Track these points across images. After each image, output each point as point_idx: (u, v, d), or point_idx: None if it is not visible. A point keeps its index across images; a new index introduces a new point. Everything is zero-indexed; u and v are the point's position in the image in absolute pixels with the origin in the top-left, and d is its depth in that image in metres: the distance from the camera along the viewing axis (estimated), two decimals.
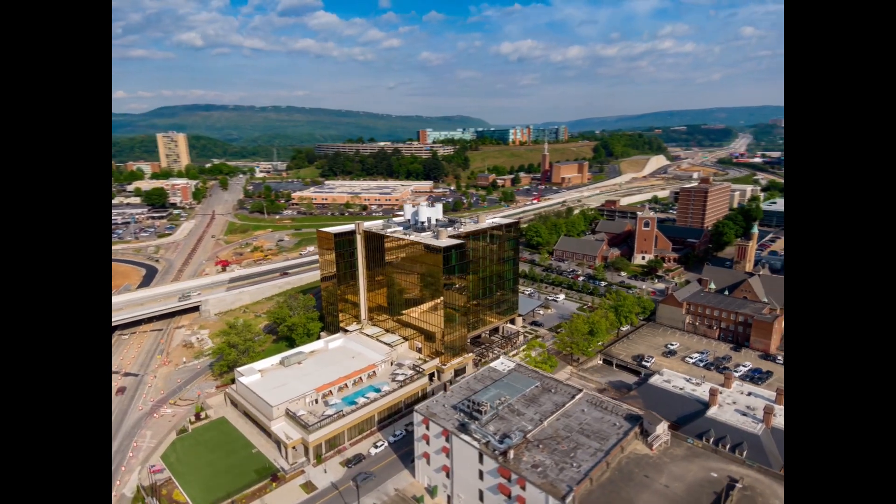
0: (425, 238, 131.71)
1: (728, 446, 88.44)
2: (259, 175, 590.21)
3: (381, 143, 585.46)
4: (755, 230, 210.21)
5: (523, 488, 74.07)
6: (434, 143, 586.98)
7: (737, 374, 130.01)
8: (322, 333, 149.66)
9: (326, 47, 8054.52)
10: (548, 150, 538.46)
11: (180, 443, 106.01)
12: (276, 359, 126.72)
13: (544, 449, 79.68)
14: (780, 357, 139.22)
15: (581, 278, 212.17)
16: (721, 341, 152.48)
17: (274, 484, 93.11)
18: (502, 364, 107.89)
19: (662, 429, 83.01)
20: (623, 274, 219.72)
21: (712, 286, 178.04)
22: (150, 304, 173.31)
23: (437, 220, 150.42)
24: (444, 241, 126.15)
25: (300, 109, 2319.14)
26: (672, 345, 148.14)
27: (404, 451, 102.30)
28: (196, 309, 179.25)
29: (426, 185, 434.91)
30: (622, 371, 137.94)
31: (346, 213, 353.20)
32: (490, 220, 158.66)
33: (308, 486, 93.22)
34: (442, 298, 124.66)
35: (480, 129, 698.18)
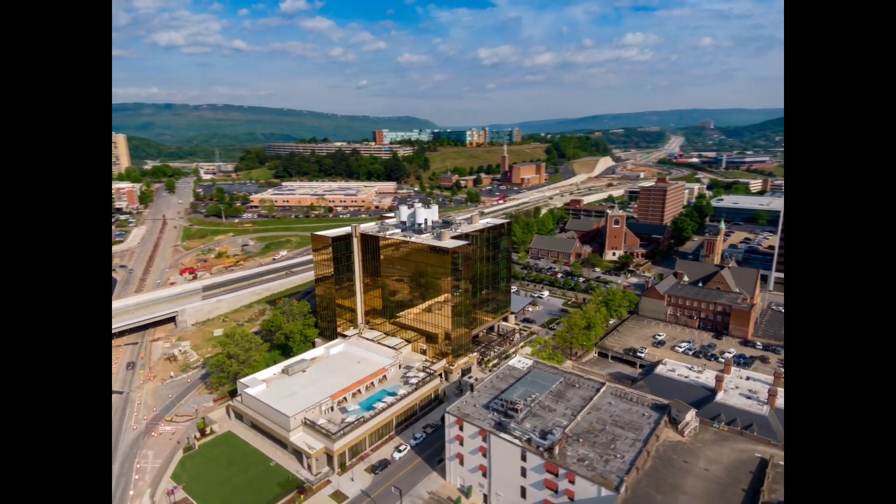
0: (428, 239, 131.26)
1: (739, 428, 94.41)
2: (206, 177, 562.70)
3: (338, 144, 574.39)
4: (722, 226, 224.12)
5: (572, 482, 75.71)
6: (391, 143, 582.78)
7: (722, 361, 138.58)
8: (317, 340, 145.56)
9: (237, 45, 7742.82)
10: (507, 151, 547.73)
11: (189, 461, 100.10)
12: (277, 368, 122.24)
13: (584, 442, 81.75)
14: (758, 343, 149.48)
15: (560, 275, 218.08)
16: (701, 330, 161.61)
17: (302, 496, 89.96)
18: (520, 362, 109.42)
19: (691, 415, 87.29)
20: (597, 270, 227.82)
21: (686, 279, 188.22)
22: (122, 315, 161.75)
23: (433, 221, 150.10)
24: (451, 242, 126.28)
25: (238, 108, 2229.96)
26: (659, 335, 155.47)
27: (428, 454, 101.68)
28: (171, 320, 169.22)
29: (390, 185, 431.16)
30: (617, 363, 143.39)
31: (311, 216, 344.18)
32: (483, 220, 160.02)
33: (338, 496, 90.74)
34: (450, 298, 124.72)
35: (437, 130, 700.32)
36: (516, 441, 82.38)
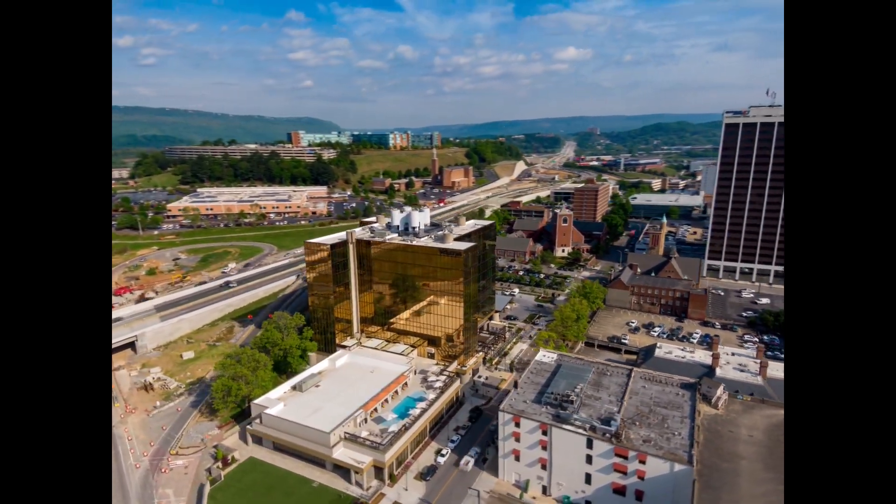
0: (431, 242, 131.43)
1: (739, 396, 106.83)
2: None
3: (252, 146, 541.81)
4: (664, 220, 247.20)
5: (643, 462, 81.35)
6: (310, 145, 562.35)
7: (694, 340, 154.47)
8: (311, 354, 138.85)
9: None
10: (436, 154, 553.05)
11: (220, 494, 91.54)
12: (286, 386, 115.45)
13: (641, 425, 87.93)
14: (716, 323, 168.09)
15: (521, 273, 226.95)
16: (663, 315, 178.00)
17: None
18: (545, 356, 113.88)
19: (721, 390, 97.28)
20: (553, 266, 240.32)
21: (639, 270, 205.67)
22: None
23: (425, 224, 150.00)
24: (458, 244, 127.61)
25: (113, 108, 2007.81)
26: (632, 322, 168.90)
27: (470, 455, 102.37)
28: (130, 345, 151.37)
29: (321, 190, 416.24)
30: (604, 350, 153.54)
31: (243, 224, 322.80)
32: (469, 221, 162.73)
33: None
34: (459, 299, 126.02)
35: (356, 133, 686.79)
36: (580, 431, 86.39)
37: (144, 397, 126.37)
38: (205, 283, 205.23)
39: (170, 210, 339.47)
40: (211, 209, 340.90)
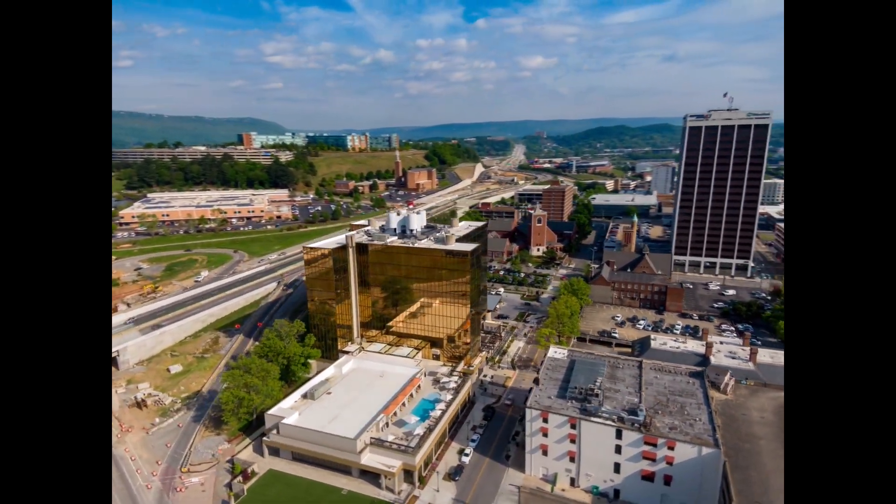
0: (432, 244, 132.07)
1: (733, 379, 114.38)
2: None
3: (201, 148, 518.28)
4: (635, 218, 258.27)
5: (672, 448, 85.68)
6: (263, 147, 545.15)
7: (677, 332, 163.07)
8: (311, 362, 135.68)
9: None
10: (399, 156, 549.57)
11: None
12: (296, 395, 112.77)
13: (663, 413, 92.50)
14: (694, 314, 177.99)
15: (502, 272, 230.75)
16: (643, 309, 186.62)
17: None
18: (557, 353, 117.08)
19: (728, 377, 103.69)
20: (530, 265, 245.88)
21: (616, 266, 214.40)
22: None
23: (422, 227, 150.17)
24: (462, 245, 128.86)
25: None
26: (617, 316, 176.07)
27: (492, 452, 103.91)
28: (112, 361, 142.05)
29: (281, 193, 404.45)
30: (595, 344, 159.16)
31: (203, 230, 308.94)
32: (463, 223, 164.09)
33: None
34: (465, 300, 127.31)
35: (311, 134, 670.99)
36: (609, 423, 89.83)
37: (139, 415, 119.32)
38: (185, 292, 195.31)
39: (123, 217, 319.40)
40: (167, 215, 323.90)
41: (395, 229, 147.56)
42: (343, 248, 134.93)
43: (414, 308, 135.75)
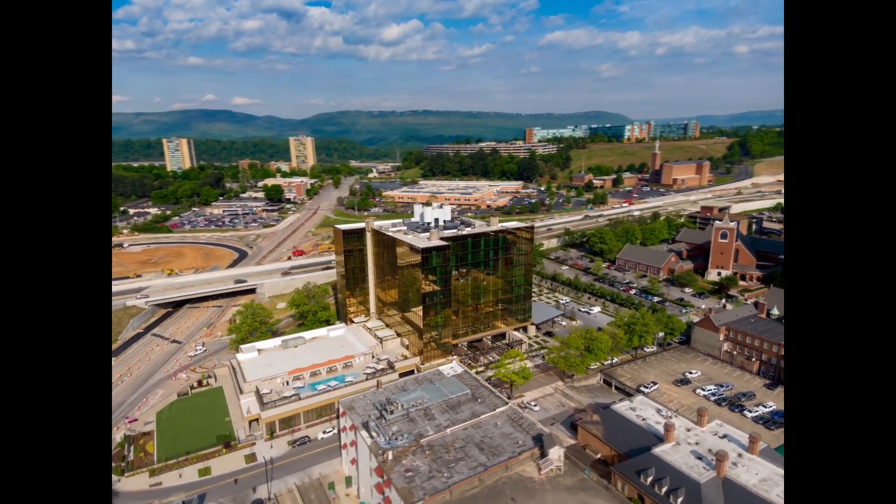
0: (414, 238, 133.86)
1: (664, 490, 78.05)
2: (372, 175, 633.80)
3: (482, 144, 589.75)
4: None
5: (389, 489, 74.04)
6: (538, 141, 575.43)
7: (750, 415, 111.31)
8: (338, 322, 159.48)
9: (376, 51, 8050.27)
10: (660, 147, 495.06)
11: (177, 404, 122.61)
12: (277, 341, 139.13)
13: (429, 456, 78.26)
14: None
15: (632, 291, 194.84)
16: (758, 376, 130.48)
17: (224, 450, 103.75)
18: (450, 368, 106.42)
19: (557, 454, 76.04)
20: (688, 290, 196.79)
21: (774, 311, 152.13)
22: (216, 283, 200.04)
23: (444, 221, 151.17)
24: (429, 242, 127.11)
25: (434, 113, 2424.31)
26: (691, 373, 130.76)
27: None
28: (254, 291, 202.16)
29: (514, 185, 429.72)
30: (621, 393, 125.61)
31: None
32: (503, 223, 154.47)
33: (250, 458, 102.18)
34: (422, 297, 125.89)
35: (595, 126, 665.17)
36: (367, 440, 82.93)
37: (224, 328, 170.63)
38: None
39: (383, 197, 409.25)
40: (411, 198, 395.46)
41: (416, 221, 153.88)
42: (361, 231, 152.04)
43: (404, 296, 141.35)
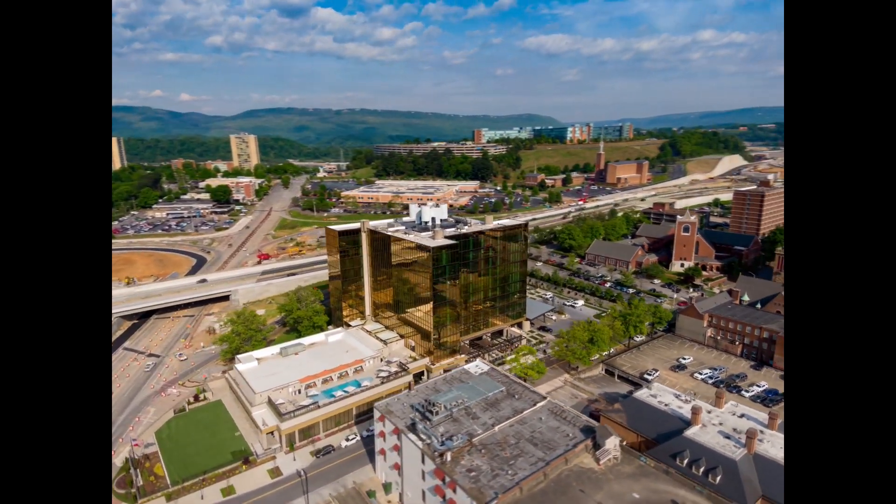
0: (419, 238, 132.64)
1: (702, 470, 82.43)
2: (321, 175, 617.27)
3: (435, 144, 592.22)
4: None
5: (454, 491, 73.31)
6: (488, 142, 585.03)
7: (747, 395, 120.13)
8: (329, 327, 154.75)
9: (347, 48, 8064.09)
10: (604, 148, 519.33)
11: (176, 421, 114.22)
12: (276, 349, 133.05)
13: (486, 454, 78.24)
14: None
15: (608, 284, 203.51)
16: (743, 358, 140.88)
17: (244, 466, 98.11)
18: (476, 367, 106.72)
19: (613, 443, 78.68)
20: (657, 281, 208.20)
21: (745, 298, 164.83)
22: (185, 291, 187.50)
23: (441, 220, 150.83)
24: (437, 241, 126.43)
25: (372, 112, 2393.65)
26: (685, 359, 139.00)
27: (372, 447, 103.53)
28: (227, 298, 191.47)
29: (472, 184, 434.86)
30: (624, 383, 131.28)
31: (388, 212, 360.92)
32: (497, 221, 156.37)
33: (274, 472, 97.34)
34: (433, 297, 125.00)
35: (538, 128, 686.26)
36: (419, 443, 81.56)
37: (205, 338, 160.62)
38: (316, 256, 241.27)
39: (342, 197, 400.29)
40: (371, 198, 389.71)
41: (412, 220, 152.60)
42: (356, 232, 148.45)
43: (408, 296, 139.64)
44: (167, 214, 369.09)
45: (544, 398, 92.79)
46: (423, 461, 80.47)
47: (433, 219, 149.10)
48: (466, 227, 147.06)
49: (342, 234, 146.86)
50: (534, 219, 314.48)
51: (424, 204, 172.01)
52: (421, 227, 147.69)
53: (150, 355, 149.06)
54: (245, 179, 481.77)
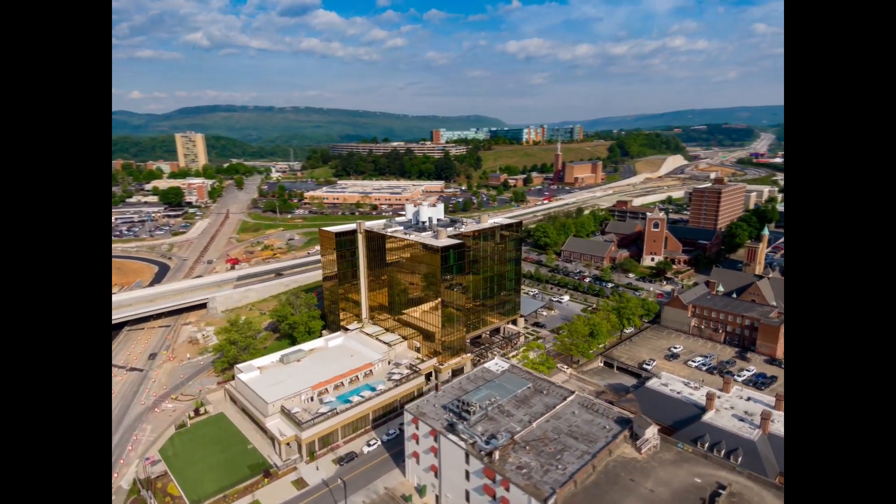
0: (424, 238, 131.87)
1: (723, 452, 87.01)
2: (275, 175, 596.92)
3: (395, 144, 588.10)
4: (766, 232, 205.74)
5: (507, 489, 73.73)
6: (447, 142, 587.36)
7: (739, 379, 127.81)
8: (324, 332, 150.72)
9: (331, 47, 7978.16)
10: (561, 149, 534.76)
11: (178, 437, 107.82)
12: (275, 356, 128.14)
13: (531, 451, 79.19)
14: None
15: (587, 279, 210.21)
16: (727, 345, 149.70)
17: (266, 480, 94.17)
18: (497, 365, 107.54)
19: (652, 433, 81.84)
20: (631, 275, 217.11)
21: (720, 289, 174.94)
22: (159, 300, 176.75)
23: (438, 219, 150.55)
24: (443, 241, 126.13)
25: (318, 110, 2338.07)
26: (675, 348, 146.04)
27: (397, 451, 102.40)
28: (203, 306, 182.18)
29: (437, 184, 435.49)
30: (623, 374, 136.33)
31: (357, 213, 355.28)
32: (492, 220, 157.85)
33: (299, 483, 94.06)
34: (440, 298, 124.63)
35: (494, 129, 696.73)
36: (461, 443, 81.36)
37: (188, 349, 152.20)
38: (293, 260, 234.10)
39: (306, 198, 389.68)
40: (337, 199, 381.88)
41: (409, 220, 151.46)
42: (352, 234, 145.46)
43: (409, 297, 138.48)
44: (116, 219, 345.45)
45: (572, 392, 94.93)
46: (467, 461, 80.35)
47: (430, 218, 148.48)
48: (463, 226, 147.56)
49: (339, 235, 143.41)
50: (512, 217, 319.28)
51: (401, 205, 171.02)
52: (419, 227, 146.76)
53: (132, 369, 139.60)
54: (196, 181, 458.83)
